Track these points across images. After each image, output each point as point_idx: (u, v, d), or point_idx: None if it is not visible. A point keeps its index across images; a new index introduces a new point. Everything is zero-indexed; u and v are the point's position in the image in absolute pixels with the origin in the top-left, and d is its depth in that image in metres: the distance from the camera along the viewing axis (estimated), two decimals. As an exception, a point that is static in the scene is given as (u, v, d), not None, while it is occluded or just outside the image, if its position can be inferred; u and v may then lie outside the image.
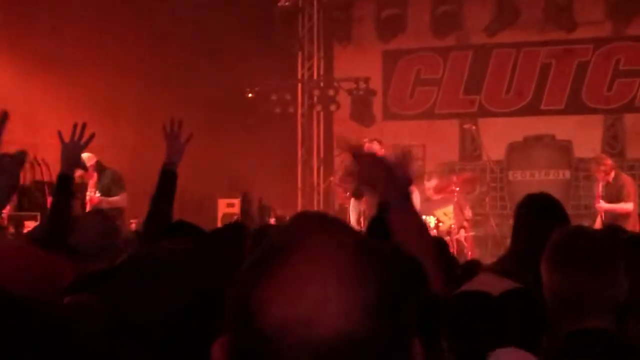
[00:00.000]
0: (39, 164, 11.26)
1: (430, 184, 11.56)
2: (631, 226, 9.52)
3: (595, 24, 13.33)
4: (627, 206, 10.34)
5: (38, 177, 11.14)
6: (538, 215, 4.27)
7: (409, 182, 2.50)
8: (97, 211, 7.97)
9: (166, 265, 2.13)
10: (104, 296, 2.53)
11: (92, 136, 4.54)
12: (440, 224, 11.24)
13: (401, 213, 2.44)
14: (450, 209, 11.54)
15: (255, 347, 1.07)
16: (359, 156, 2.57)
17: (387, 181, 2.47)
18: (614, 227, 4.27)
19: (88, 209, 10.36)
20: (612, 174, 10.55)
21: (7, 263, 2.92)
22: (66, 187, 4.50)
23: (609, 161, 10.68)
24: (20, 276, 2.80)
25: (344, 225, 1.17)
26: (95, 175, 10.61)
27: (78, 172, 10.48)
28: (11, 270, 2.84)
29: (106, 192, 10.50)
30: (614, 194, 10.44)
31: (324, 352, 1.04)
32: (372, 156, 2.66)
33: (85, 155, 10.39)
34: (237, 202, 12.84)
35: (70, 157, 4.50)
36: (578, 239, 2.65)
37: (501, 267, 3.73)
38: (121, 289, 2.16)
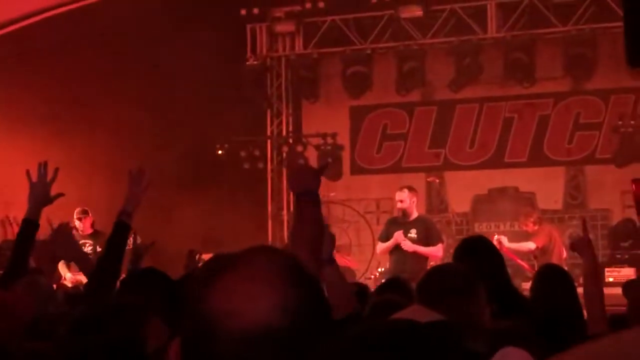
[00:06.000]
0: (11, 223, 11.27)
1: None
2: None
3: (555, 79, 13.74)
4: (529, 245, 11.33)
5: (10, 236, 11.19)
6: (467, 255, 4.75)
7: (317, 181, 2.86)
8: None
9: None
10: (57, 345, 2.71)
11: (56, 171, 4.43)
12: None
13: (304, 203, 2.84)
14: None
15: (199, 335, 1.36)
16: (290, 164, 3.05)
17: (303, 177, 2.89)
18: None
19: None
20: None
21: None
22: (27, 233, 4.31)
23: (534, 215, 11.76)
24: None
25: (278, 250, 1.49)
26: (89, 230, 10.52)
27: (73, 223, 10.50)
28: None
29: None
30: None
31: (248, 339, 1.32)
32: (300, 164, 3.13)
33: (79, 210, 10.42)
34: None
35: (38, 195, 4.37)
36: (434, 276, 3.15)
37: None
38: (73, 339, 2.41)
